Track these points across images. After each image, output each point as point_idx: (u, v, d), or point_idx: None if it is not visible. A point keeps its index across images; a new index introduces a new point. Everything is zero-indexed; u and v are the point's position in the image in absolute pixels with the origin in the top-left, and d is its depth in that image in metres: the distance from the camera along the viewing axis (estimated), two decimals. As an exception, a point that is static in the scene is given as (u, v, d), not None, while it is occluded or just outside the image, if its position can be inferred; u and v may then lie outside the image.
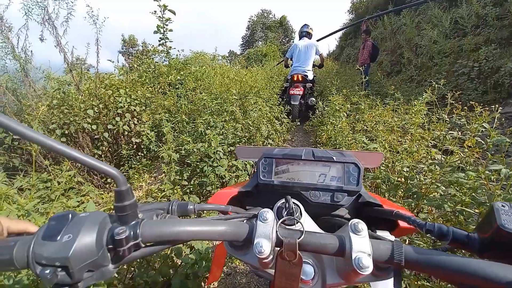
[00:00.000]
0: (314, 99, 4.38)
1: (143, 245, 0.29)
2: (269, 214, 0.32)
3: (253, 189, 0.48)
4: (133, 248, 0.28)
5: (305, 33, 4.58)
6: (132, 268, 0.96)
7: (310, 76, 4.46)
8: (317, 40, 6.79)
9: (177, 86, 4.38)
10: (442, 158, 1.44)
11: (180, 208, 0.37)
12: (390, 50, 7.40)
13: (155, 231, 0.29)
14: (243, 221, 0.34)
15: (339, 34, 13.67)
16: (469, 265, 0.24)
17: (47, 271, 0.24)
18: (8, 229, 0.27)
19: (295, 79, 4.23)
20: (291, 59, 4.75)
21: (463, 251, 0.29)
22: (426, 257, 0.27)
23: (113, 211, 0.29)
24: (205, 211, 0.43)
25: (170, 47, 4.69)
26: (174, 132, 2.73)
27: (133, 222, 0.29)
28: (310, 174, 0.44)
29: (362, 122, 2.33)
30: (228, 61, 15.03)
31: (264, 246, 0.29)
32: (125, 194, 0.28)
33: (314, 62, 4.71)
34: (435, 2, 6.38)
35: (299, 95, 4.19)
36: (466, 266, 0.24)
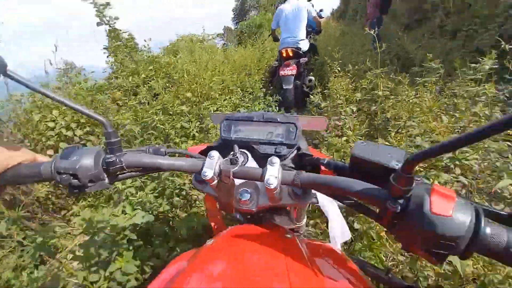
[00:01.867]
0: (312, 78, 3.46)
1: (126, 170, 0.43)
2: (214, 153, 0.42)
3: (218, 145, 0.56)
4: (119, 170, 0.43)
5: (290, -7, 3.51)
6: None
7: (305, 47, 3.47)
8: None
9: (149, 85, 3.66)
10: None
11: (154, 150, 0.50)
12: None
13: (133, 160, 0.42)
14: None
15: (341, -14, 11.69)
16: (339, 181, 0.35)
17: (64, 176, 0.39)
18: (32, 159, 0.43)
19: (285, 55, 3.28)
20: (279, 29, 3.75)
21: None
22: (315, 178, 0.38)
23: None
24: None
25: (132, 37, 3.87)
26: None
27: (119, 153, 0.43)
28: (261, 132, 0.53)
29: (384, 126, 1.46)
30: (223, 38, 13.62)
31: (208, 172, 0.40)
32: (111, 134, 0.42)
33: (308, 28, 3.69)
34: None
35: (292, 75, 3.27)
36: (339, 182, 0.35)
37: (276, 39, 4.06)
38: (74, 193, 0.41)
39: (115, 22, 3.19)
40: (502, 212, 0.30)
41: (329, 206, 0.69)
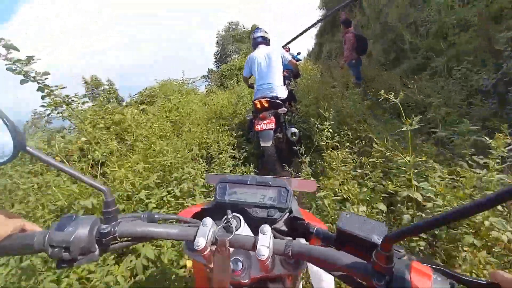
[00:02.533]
0: (295, 130, 2.87)
1: (119, 240, 0.42)
2: (208, 220, 0.43)
3: (212, 206, 0.57)
4: (111, 241, 0.42)
5: (260, 39, 3.06)
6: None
7: (282, 94, 2.94)
8: (285, 45, 5.36)
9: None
10: None
11: (149, 216, 0.49)
12: (378, 35, 6.03)
13: (127, 229, 0.42)
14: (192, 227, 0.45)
15: (314, 31, 12.42)
16: (328, 253, 0.37)
17: (56, 250, 0.38)
18: (22, 227, 0.42)
19: (259, 106, 2.72)
20: (252, 77, 3.28)
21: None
22: (305, 249, 0.39)
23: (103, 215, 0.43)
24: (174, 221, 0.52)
25: (69, 96, 3.14)
26: None
27: (114, 223, 0.42)
28: (254, 195, 0.55)
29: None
30: (207, 80, 13.57)
31: (200, 241, 0.40)
32: (110, 203, 0.43)
33: (286, 73, 3.26)
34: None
35: (271, 129, 2.67)
36: (328, 254, 0.37)
37: (251, 86, 3.57)
38: (62, 267, 0.40)
39: (46, 78, 2.54)
40: (481, 281, 0.30)
41: (324, 276, 0.67)
